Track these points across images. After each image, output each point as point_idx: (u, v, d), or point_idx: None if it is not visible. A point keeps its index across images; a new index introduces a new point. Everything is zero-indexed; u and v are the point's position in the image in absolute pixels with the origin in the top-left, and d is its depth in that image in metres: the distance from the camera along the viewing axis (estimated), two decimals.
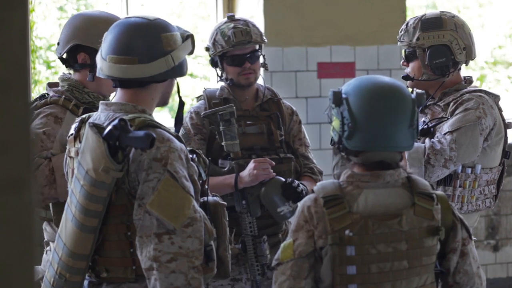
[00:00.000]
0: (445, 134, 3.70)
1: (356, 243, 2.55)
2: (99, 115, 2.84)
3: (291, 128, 4.11)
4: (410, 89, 3.90)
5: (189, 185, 2.72)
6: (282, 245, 2.63)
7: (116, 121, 2.66)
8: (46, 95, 3.57)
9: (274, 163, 3.88)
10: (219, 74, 4.08)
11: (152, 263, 2.64)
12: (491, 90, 3.95)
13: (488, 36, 10.60)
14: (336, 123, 2.64)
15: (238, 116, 3.99)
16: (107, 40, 2.83)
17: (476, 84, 9.71)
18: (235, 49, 3.99)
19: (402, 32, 3.93)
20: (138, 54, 2.77)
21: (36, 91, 6.47)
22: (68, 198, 2.79)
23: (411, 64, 3.90)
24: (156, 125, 2.74)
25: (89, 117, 2.87)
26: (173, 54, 2.79)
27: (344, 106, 2.61)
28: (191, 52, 2.87)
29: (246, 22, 4.05)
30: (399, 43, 3.95)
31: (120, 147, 2.66)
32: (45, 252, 3.62)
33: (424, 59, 3.83)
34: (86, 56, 3.53)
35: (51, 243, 3.52)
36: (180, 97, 2.92)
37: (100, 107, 2.87)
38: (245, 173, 3.87)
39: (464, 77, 3.95)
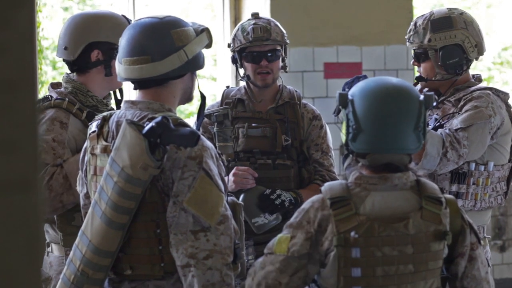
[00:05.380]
0: (457, 130, 3.68)
1: (362, 245, 2.53)
2: (124, 113, 2.84)
3: (309, 133, 4.02)
4: (422, 89, 3.89)
5: (220, 183, 2.75)
6: (279, 236, 2.62)
7: (159, 119, 2.67)
8: (50, 97, 3.51)
9: (256, 174, 3.83)
10: (239, 72, 4.05)
11: (189, 260, 2.67)
12: (501, 89, 3.94)
13: (496, 37, 10.58)
14: (343, 125, 2.63)
15: (246, 118, 3.96)
16: (121, 44, 2.86)
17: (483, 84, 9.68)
18: (254, 46, 3.96)
19: (411, 33, 3.89)
20: (150, 53, 2.79)
21: (43, 92, 6.47)
22: (96, 195, 2.78)
23: (422, 65, 3.87)
24: (186, 125, 2.76)
25: (110, 115, 2.87)
26: (185, 48, 2.81)
27: (350, 108, 2.59)
28: (209, 46, 2.88)
29: (268, 21, 4.03)
30: (408, 43, 3.92)
31: (161, 144, 2.67)
32: (46, 253, 3.60)
33: (437, 60, 3.81)
34: (99, 52, 3.51)
35: (52, 245, 3.51)
36: (201, 92, 2.92)
37: (124, 105, 2.88)
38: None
39: (473, 75, 3.94)
